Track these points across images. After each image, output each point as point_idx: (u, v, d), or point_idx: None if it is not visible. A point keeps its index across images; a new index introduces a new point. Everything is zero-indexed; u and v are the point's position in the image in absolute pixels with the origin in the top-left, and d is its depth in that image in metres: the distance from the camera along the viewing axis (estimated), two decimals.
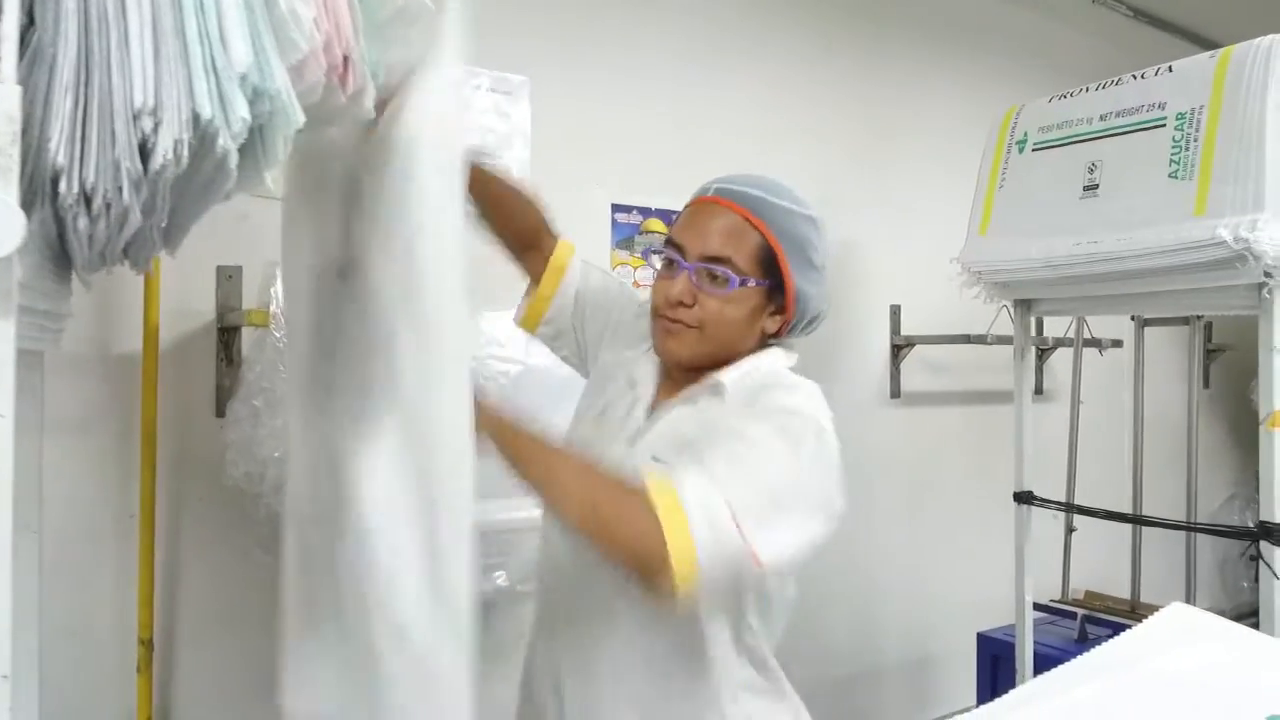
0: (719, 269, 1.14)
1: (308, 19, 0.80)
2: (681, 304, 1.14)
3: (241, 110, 0.77)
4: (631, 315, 1.35)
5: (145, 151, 0.77)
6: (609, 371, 1.30)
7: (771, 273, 1.16)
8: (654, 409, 1.21)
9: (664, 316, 1.16)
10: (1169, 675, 1.01)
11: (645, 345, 1.25)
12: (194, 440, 1.83)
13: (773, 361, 1.21)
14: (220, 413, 1.83)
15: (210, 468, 1.78)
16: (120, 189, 0.77)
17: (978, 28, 3.11)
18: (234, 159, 0.79)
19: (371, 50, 0.93)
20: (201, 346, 1.87)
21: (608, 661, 1.17)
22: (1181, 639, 1.09)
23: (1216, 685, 0.98)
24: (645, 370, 1.24)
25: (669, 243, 1.18)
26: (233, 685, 1.83)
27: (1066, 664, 1.07)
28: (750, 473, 1.01)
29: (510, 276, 2.08)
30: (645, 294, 1.29)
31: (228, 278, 1.85)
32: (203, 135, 0.78)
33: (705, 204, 1.18)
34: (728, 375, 1.17)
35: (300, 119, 0.84)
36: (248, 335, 1.83)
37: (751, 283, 1.15)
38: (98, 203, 0.77)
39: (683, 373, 1.21)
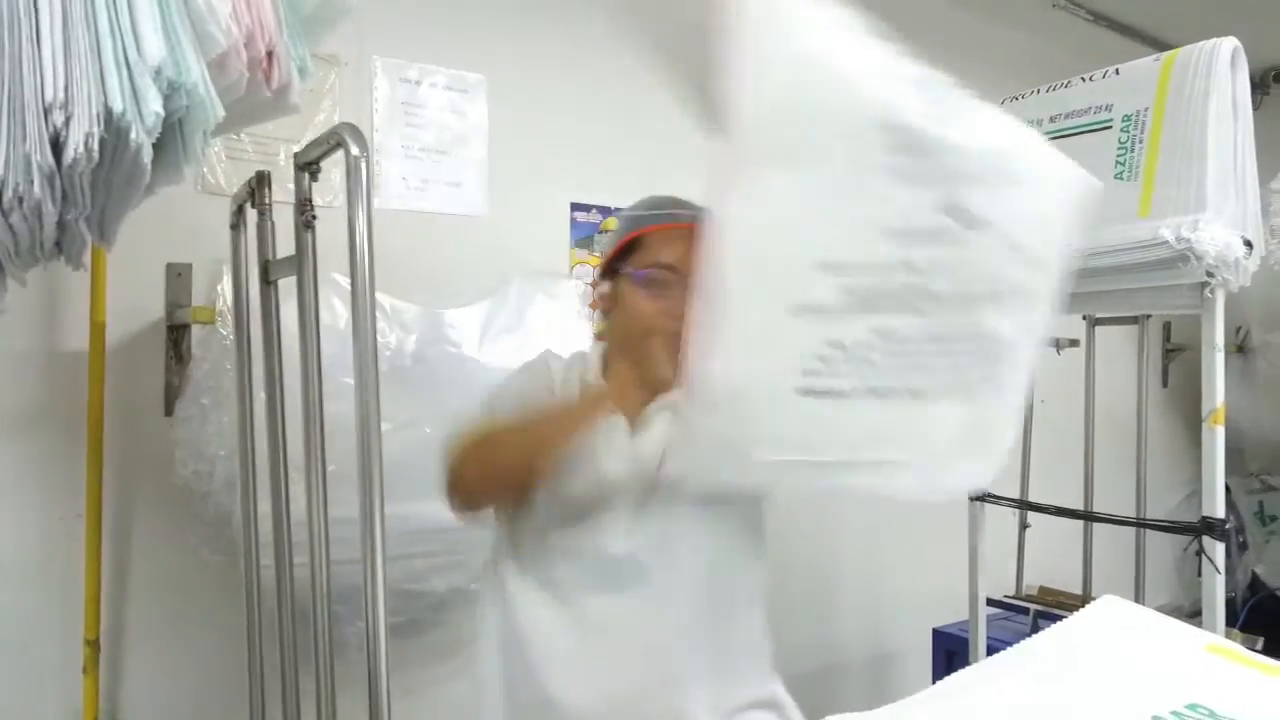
0: None
1: (224, 12, 0.80)
2: (684, 318, 1.20)
3: (154, 104, 0.77)
4: (551, 377, 1.35)
5: (58, 145, 0.77)
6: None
7: None
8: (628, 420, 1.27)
9: (664, 331, 1.22)
10: (1093, 667, 1.03)
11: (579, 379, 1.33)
12: (142, 439, 1.81)
13: None
14: (169, 411, 1.82)
15: (159, 467, 1.76)
16: (32, 182, 0.77)
17: (939, 32, 3.13)
18: (147, 153, 0.79)
19: (297, 45, 0.93)
20: (151, 345, 1.86)
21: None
22: (1108, 631, 1.12)
23: (1138, 675, 1.00)
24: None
25: (660, 266, 1.24)
26: (181, 685, 1.82)
27: (993, 656, 1.09)
28: None
29: (462, 274, 2.09)
30: None
31: (177, 275, 1.84)
32: (116, 129, 0.78)
33: (687, 231, 1.23)
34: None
35: (220, 113, 0.84)
36: (197, 333, 1.81)
37: None
38: (8, 196, 0.77)
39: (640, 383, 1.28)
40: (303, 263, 1.03)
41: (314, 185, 1.09)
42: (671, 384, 1.24)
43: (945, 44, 3.33)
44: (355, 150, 0.91)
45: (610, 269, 1.31)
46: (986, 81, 3.01)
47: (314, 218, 1.04)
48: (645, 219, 1.29)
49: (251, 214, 1.27)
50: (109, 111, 0.77)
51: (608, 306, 1.32)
